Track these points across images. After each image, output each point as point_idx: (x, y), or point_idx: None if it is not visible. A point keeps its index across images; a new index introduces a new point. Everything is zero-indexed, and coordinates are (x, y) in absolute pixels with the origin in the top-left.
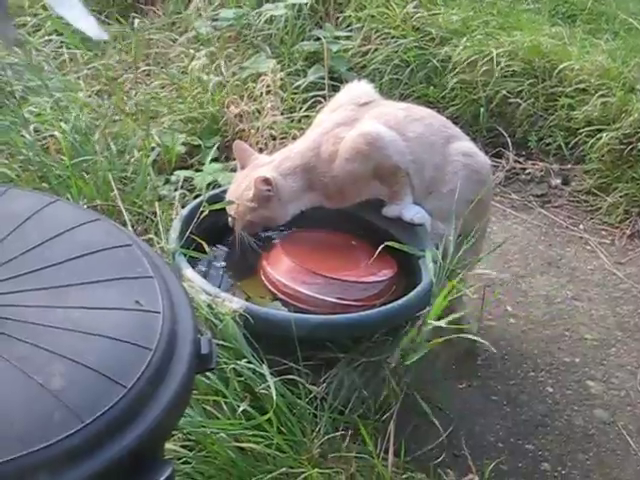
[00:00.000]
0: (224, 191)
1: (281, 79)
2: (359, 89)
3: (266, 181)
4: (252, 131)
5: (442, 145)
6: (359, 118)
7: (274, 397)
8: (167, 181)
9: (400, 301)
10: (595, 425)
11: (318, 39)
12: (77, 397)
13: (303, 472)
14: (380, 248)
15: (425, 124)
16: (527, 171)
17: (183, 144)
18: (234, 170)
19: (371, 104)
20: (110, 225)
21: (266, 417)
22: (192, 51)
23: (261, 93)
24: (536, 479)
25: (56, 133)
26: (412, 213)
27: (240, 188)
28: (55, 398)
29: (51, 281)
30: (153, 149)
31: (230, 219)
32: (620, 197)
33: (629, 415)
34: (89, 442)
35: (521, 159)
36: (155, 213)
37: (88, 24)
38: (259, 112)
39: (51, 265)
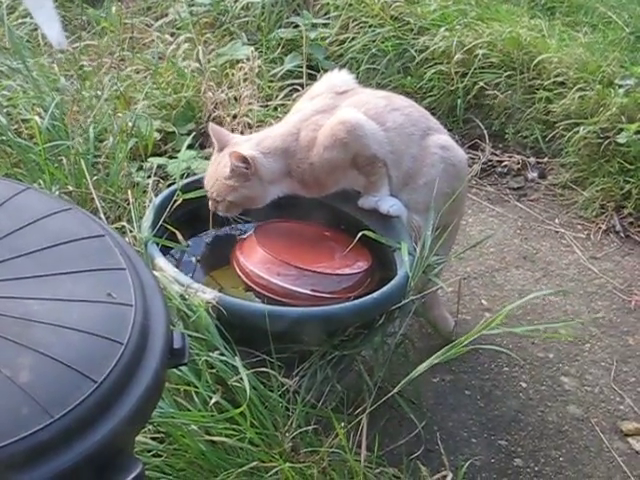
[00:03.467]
0: (198, 179)
1: (258, 66)
2: (338, 78)
3: (241, 157)
4: (228, 119)
5: (420, 137)
6: (338, 106)
7: (247, 390)
8: (140, 168)
9: (375, 294)
10: (568, 421)
11: (295, 26)
12: (46, 391)
13: (275, 466)
14: (357, 238)
15: (405, 114)
16: (503, 164)
17: (157, 130)
18: (208, 158)
19: (350, 92)
20: (82, 215)
21: (239, 410)
22: (168, 36)
23: (238, 80)
24: (509, 475)
25: (29, 117)
26: (388, 205)
27: (219, 168)
28: (23, 392)
29: (21, 272)
30: (131, 136)
31: (211, 202)
32: (596, 191)
33: (603, 412)
34: (58, 438)
35: (498, 152)
36: (128, 200)
37: (53, 30)
38: (235, 99)
39: (21, 255)
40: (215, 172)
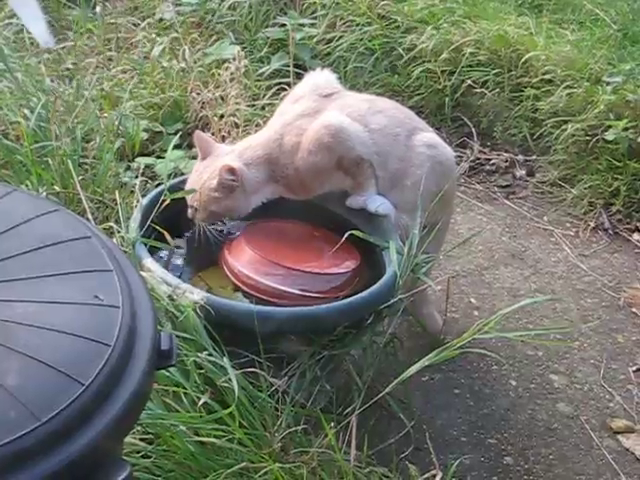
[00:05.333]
0: (186, 179)
1: (245, 66)
2: (321, 78)
3: (231, 170)
4: (215, 118)
5: (406, 137)
6: (322, 109)
7: (235, 390)
8: (128, 168)
9: (364, 293)
10: (558, 419)
11: (282, 25)
12: (33, 394)
13: (264, 467)
14: (344, 237)
15: (389, 116)
16: (492, 162)
17: (145, 130)
18: (196, 158)
19: (334, 95)
20: (69, 216)
21: (228, 411)
22: (155, 36)
23: (225, 80)
24: (499, 473)
25: (15, 118)
26: (376, 204)
27: (202, 178)
28: (11, 395)
29: (7, 274)
30: (118, 136)
31: (190, 210)
32: (585, 189)
33: (592, 409)
34: (46, 441)
35: (486, 149)
36: (115, 200)
37: (39, 28)
38: (222, 99)
39: (7, 258)
40: (199, 181)
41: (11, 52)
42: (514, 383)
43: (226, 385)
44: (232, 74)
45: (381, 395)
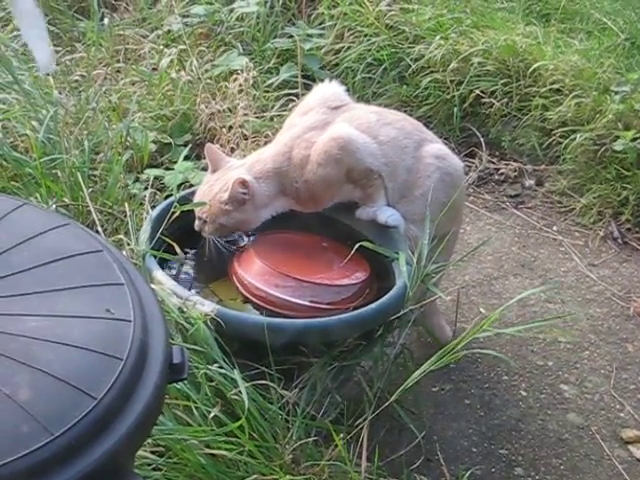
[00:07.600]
0: (195, 191)
1: (253, 77)
2: (330, 90)
3: (243, 183)
4: (224, 130)
5: (414, 148)
6: (331, 122)
7: (246, 402)
8: (137, 179)
9: (374, 305)
10: (569, 430)
11: (290, 36)
12: (45, 409)
13: (275, 479)
14: (354, 248)
15: (397, 127)
16: (500, 171)
17: (153, 142)
18: (205, 169)
19: (343, 107)
20: (80, 230)
21: (238, 423)
22: (163, 47)
23: (233, 92)
24: None
25: (24, 131)
26: (386, 215)
27: (212, 190)
28: (23, 410)
29: (18, 288)
30: (127, 148)
31: (197, 222)
32: (594, 198)
33: (603, 419)
34: (58, 455)
35: (494, 159)
36: (125, 212)
37: (42, 53)
38: (231, 111)
39: (18, 272)
40: (209, 194)
41: (19, 64)
42: (524, 393)
43: (236, 397)
44: (240, 85)
45: (388, 403)
